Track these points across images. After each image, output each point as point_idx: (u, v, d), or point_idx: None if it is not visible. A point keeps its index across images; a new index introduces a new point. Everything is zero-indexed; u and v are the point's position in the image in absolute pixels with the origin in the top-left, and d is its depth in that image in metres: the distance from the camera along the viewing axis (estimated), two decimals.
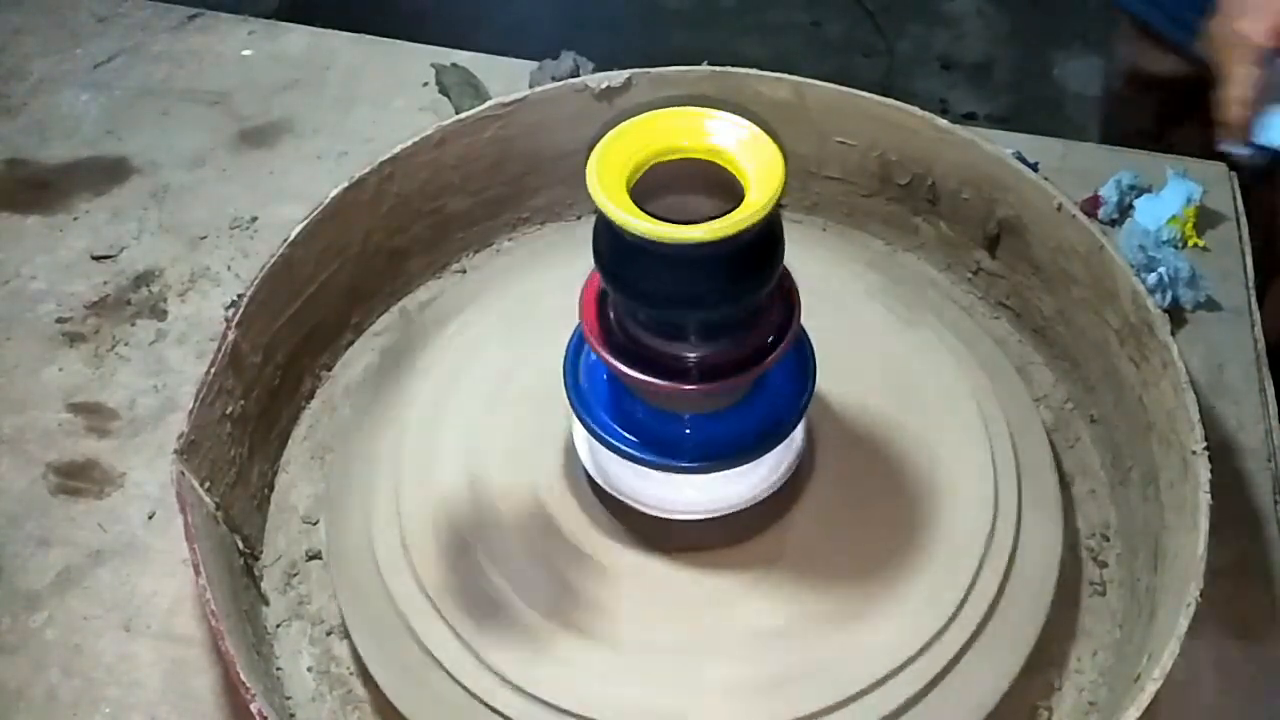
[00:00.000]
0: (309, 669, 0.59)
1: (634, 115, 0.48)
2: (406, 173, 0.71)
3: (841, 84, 0.73)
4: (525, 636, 0.54)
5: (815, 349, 0.55)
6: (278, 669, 0.58)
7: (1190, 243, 0.76)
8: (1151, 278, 0.71)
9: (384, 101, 0.88)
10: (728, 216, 0.44)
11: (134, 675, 0.59)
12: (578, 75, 0.81)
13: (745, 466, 0.54)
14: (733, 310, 0.48)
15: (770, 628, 0.54)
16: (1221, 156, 0.83)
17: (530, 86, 0.80)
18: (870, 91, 0.72)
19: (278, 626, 0.60)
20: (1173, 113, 1.01)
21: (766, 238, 0.47)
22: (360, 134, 0.85)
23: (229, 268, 0.77)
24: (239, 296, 0.63)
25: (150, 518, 0.65)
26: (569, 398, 0.55)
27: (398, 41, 0.93)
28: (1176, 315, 0.72)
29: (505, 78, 0.87)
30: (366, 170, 0.69)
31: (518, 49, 0.91)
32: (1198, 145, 0.82)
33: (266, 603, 0.61)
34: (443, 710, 0.53)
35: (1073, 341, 0.68)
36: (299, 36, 0.94)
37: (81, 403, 0.70)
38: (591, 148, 0.46)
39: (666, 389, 0.50)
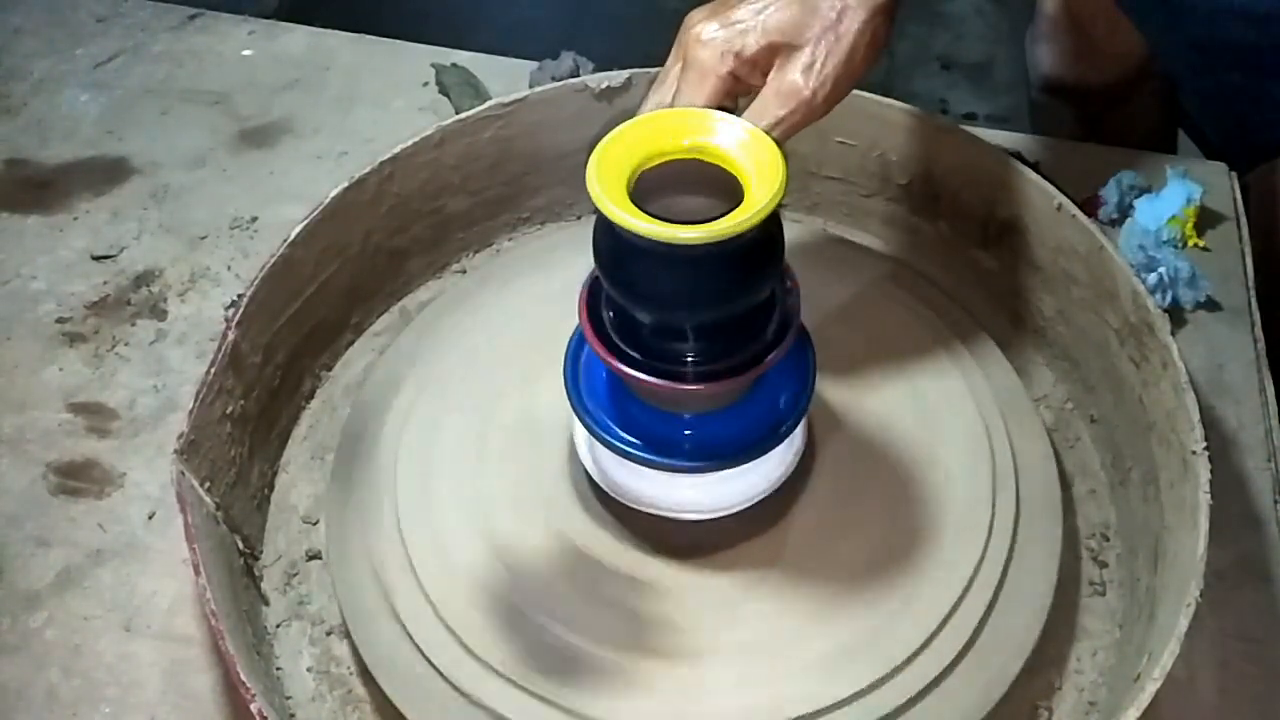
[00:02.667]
0: (309, 669, 0.59)
1: (634, 115, 0.48)
2: (406, 173, 0.71)
3: None
4: (523, 637, 0.54)
5: (815, 348, 0.55)
6: (278, 669, 0.58)
7: (1190, 243, 0.76)
8: (1151, 278, 0.71)
9: (384, 101, 0.88)
10: (727, 217, 0.44)
11: (134, 675, 0.59)
12: (578, 75, 0.81)
13: (745, 466, 0.54)
14: (733, 310, 0.48)
15: (769, 628, 0.54)
16: (1223, 157, 0.83)
17: (530, 86, 0.80)
18: (870, 91, 0.72)
19: (278, 626, 0.60)
20: (1095, 117, 1.01)
21: (766, 238, 0.47)
22: (360, 134, 0.85)
23: (229, 268, 0.77)
24: (239, 296, 0.63)
25: (150, 518, 0.65)
26: (569, 397, 0.55)
27: (398, 41, 0.93)
28: (1176, 315, 0.72)
29: (505, 78, 0.87)
30: (366, 170, 0.69)
31: (518, 49, 0.91)
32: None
33: (266, 603, 0.61)
34: (441, 711, 0.53)
35: (1073, 341, 0.68)
36: (299, 36, 0.94)
37: (81, 403, 0.70)
38: (592, 147, 0.46)
39: (666, 389, 0.50)
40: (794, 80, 0.51)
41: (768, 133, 0.48)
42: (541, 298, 0.66)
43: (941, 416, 0.61)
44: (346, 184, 0.68)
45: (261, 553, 0.63)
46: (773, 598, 0.55)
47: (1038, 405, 0.67)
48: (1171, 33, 0.84)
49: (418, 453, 0.61)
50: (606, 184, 0.45)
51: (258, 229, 0.79)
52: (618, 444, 0.53)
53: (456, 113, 0.76)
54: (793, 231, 0.49)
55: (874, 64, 0.53)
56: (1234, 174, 0.80)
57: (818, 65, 0.51)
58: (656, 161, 0.47)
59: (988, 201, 0.70)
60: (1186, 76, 0.91)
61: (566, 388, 0.55)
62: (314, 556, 0.62)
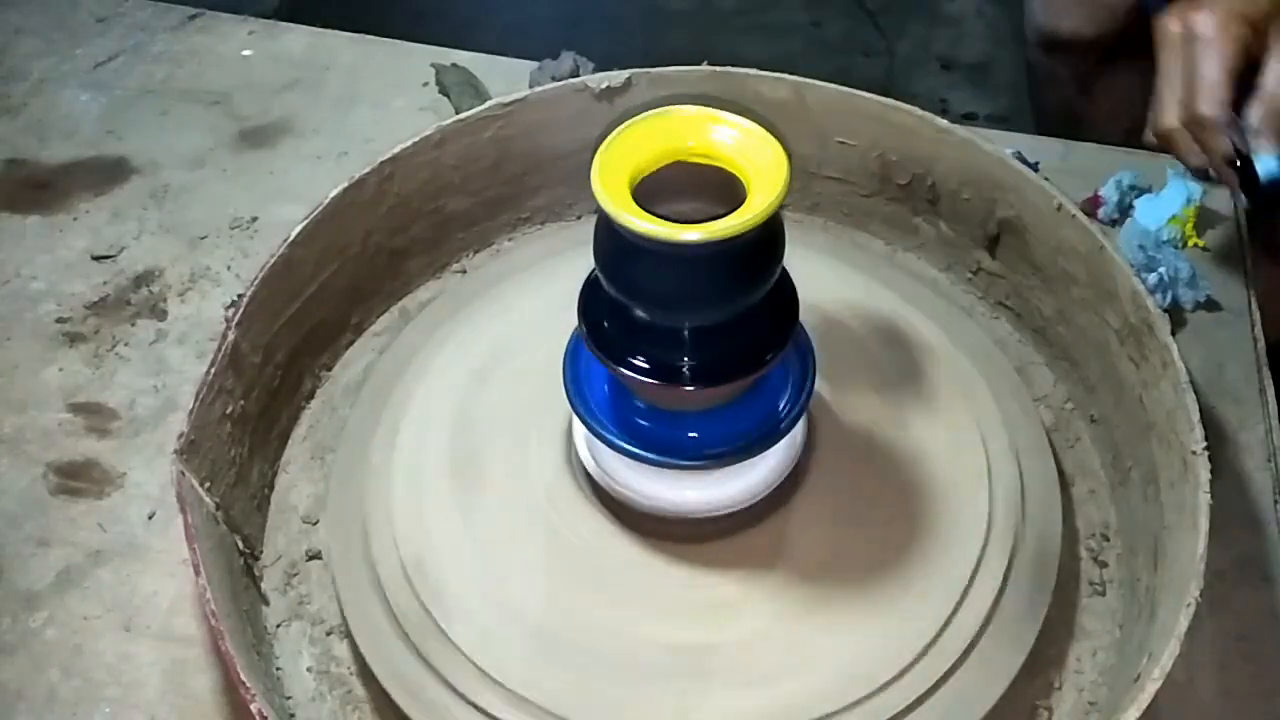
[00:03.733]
0: (309, 669, 0.59)
1: (635, 115, 0.48)
2: (406, 173, 0.71)
3: (841, 84, 0.73)
4: (522, 637, 0.54)
5: (814, 348, 0.55)
6: (278, 669, 0.58)
7: (1190, 243, 0.76)
8: (1151, 278, 0.71)
9: (384, 101, 0.88)
10: (729, 218, 0.44)
11: (134, 675, 0.59)
12: (578, 75, 0.81)
13: (744, 465, 0.54)
14: (733, 311, 0.48)
15: (769, 629, 0.54)
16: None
17: (530, 86, 0.80)
18: (870, 91, 0.72)
19: (278, 626, 0.60)
20: (1091, 74, 1.02)
21: (768, 239, 0.47)
22: (360, 134, 0.86)
23: (229, 268, 0.77)
24: (239, 296, 0.63)
25: (150, 518, 0.65)
26: (568, 396, 0.55)
27: (398, 41, 0.93)
28: (1176, 315, 0.72)
29: (505, 78, 0.87)
30: (366, 170, 0.69)
31: (518, 49, 0.91)
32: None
33: (266, 603, 0.61)
34: (441, 711, 0.53)
35: (1073, 341, 0.68)
36: (299, 36, 0.94)
37: (81, 403, 0.70)
38: (594, 147, 0.46)
39: (666, 390, 0.50)
40: None
41: None
42: (541, 297, 0.66)
43: (940, 416, 0.61)
44: (346, 184, 0.68)
45: (261, 553, 0.63)
46: (772, 598, 0.55)
47: (1038, 405, 0.67)
48: None
49: (417, 453, 0.61)
50: (609, 184, 0.45)
51: (258, 229, 0.79)
52: (617, 443, 0.53)
53: (456, 113, 0.76)
54: (793, 231, 0.49)
55: None
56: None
57: None
58: (659, 162, 0.47)
59: (988, 201, 0.70)
60: None
61: (566, 387, 0.55)
62: (314, 556, 0.62)
